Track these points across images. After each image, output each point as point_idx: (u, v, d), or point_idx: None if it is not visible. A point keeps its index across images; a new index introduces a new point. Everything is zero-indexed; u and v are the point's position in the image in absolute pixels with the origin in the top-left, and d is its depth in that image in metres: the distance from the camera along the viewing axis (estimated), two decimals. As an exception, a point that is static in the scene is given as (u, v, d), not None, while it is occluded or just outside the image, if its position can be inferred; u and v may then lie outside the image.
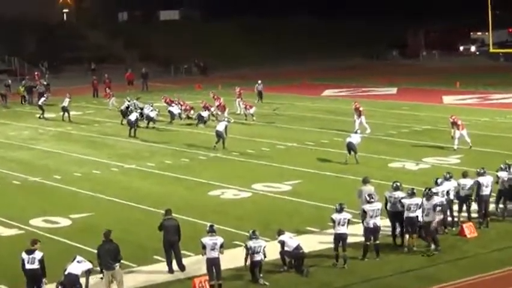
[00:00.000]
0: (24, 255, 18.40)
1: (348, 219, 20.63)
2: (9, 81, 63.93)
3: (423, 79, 66.48)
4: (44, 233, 23.77)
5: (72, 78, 73.06)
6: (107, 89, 56.74)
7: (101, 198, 28.60)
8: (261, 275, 19.45)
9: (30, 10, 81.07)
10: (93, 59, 79.58)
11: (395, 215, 21.89)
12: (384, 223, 22.58)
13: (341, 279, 19.69)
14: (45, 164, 35.44)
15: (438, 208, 21.34)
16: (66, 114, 48.45)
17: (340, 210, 20.61)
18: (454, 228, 22.99)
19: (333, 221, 20.54)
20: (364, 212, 20.97)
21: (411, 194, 21.62)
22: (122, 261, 19.13)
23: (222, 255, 19.12)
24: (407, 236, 21.56)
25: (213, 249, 18.99)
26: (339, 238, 20.49)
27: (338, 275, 19.94)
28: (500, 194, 24.25)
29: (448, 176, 23.36)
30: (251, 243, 19.35)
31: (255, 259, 19.33)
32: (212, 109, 45.48)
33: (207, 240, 19.09)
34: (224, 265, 19.36)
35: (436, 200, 21.45)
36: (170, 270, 20.37)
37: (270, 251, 19.90)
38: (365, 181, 23.63)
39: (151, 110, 44.59)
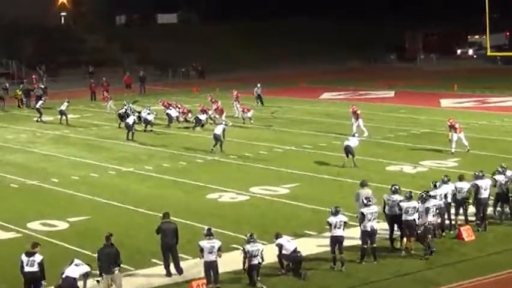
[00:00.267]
0: (23, 258, 18.42)
1: (345, 222, 20.66)
2: (7, 84, 63.91)
3: (421, 82, 66.50)
4: (42, 236, 23.75)
5: (70, 81, 72.97)
6: (104, 92, 56.74)
7: (98, 201, 28.59)
8: (259, 278, 19.45)
9: (28, 13, 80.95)
10: (91, 63, 79.46)
11: (393, 218, 21.89)
12: (382, 226, 22.62)
13: (339, 282, 19.70)
14: (43, 167, 35.43)
15: (431, 211, 21.36)
16: (64, 117, 48.43)
17: (336, 213, 20.63)
18: (451, 232, 23.01)
19: (330, 224, 20.57)
20: (362, 215, 20.97)
21: (409, 197, 21.67)
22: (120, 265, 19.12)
23: (219, 259, 19.13)
24: (404, 239, 21.56)
25: (210, 252, 19.00)
26: (336, 241, 20.51)
27: (336, 278, 19.94)
28: (498, 198, 24.27)
29: (445, 179, 23.40)
30: (249, 247, 19.35)
31: (253, 262, 19.32)
32: (210, 112, 45.46)
33: (205, 243, 19.09)
34: (222, 268, 19.36)
35: (431, 203, 21.48)
36: (168, 274, 20.36)
37: (268, 254, 19.90)
38: (363, 184, 23.66)
39: (149, 113, 44.56)
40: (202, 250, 19.06)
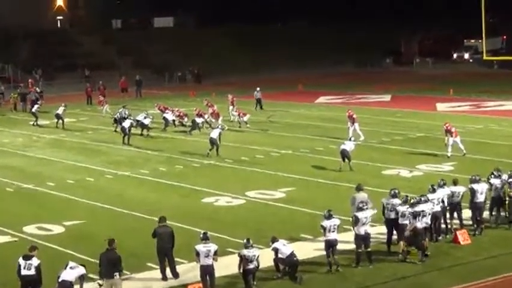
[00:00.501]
0: (21, 261, 18.40)
1: (338, 225, 20.67)
2: (3, 88, 63.88)
3: (417, 86, 66.58)
4: (38, 240, 23.67)
5: (66, 85, 72.90)
6: (100, 96, 56.72)
7: (94, 205, 28.56)
8: (255, 283, 19.44)
9: (23, 17, 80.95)
10: (87, 66, 79.48)
11: (392, 222, 21.90)
12: (378, 230, 22.65)
13: (335, 286, 19.69)
14: (39, 171, 35.39)
15: (420, 216, 21.33)
16: (60, 121, 48.41)
17: (329, 216, 20.65)
18: (447, 236, 23.03)
19: (324, 228, 20.57)
20: (356, 219, 20.96)
21: (405, 202, 21.73)
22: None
23: (215, 263, 19.11)
24: (401, 242, 21.56)
25: (206, 256, 18.98)
26: (330, 244, 20.52)
27: (332, 282, 19.93)
28: (494, 202, 24.27)
29: (441, 183, 23.41)
30: (245, 252, 19.32)
31: (249, 267, 19.31)
32: (206, 116, 45.47)
33: (201, 247, 19.07)
34: (218, 272, 19.34)
35: (419, 207, 21.46)
36: (164, 278, 20.34)
37: (264, 258, 19.90)
38: (359, 188, 23.68)
39: (145, 117, 44.53)
40: (198, 254, 19.04)
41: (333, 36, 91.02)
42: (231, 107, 48.54)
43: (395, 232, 21.97)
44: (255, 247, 19.66)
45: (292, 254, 19.94)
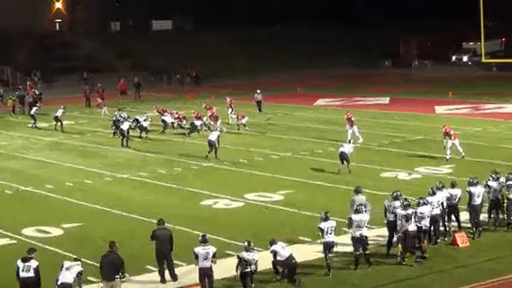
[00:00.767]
0: (19, 263, 18.40)
1: (335, 227, 20.68)
2: (1, 90, 63.84)
3: (415, 89, 66.60)
4: (36, 242, 23.68)
5: (64, 87, 72.91)
6: (99, 98, 56.72)
7: (93, 207, 28.55)
8: (253, 286, 19.43)
9: (22, 19, 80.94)
10: (85, 69, 79.47)
11: (393, 224, 21.88)
12: (377, 232, 22.64)
13: (334, 289, 19.71)
14: (37, 174, 35.37)
15: (413, 218, 21.32)
16: (58, 123, 48.40)
17: (326, 218, 20.67)
18: (446, 238, 23.03)
19: (321, 230, 20.58)
20: (350, 221, 20.96)
21: (405, 206, 21.70)
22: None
23: (214, 265, 19.11)
24: (399, 245, 21.55)
25: (205, 258, 18.98)
26: (329, 246, 20.53)
27: (331, 284, 19.92)
28: (492, 204, 24.27)
29: (440, 185, 23.42)
30: (245, 255, 19.31)
31: (247, 270, 19.29)
32: (204, 119, 45.46)
33: (200, 249, 19.07)
34: (216, 275, 19.34)
35: (411, 210, 21.45)
36: (163, 280, 20.33)
37: (263, 260, 19.88)
38: (357, 191, 23.68)
39: (144, 120, 44.53)
40: (196, 256, 19.04)
41: (332, 38, 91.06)
42: (229, 110, 48.54)
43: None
44: (255, 251, 19.64)
45: (290, 257, 19.93)
